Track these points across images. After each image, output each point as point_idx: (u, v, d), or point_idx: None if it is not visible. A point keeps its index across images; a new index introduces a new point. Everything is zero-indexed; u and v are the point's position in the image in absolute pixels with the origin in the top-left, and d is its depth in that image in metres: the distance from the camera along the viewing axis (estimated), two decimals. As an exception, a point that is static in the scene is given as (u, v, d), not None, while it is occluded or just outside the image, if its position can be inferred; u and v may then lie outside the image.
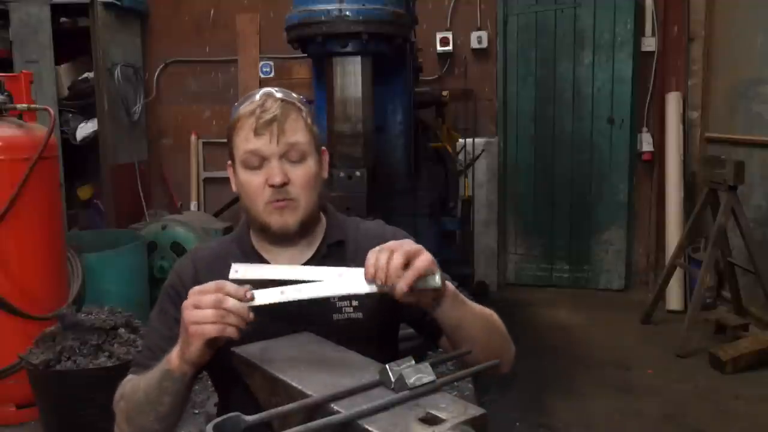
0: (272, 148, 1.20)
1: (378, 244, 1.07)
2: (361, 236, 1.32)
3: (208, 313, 1.00)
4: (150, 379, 1.14)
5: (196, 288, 1.03)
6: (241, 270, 1.07)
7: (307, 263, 1.28)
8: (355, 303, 1.26)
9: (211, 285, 1.02)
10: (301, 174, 1.22)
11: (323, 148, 1.30)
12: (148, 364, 1.19)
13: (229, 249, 1.33)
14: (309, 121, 1.25)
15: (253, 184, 1.22)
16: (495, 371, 1.06)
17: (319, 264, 1.25)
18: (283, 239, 1.27)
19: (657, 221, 4.95)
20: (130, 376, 1.24)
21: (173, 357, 1.09)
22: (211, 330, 1.00)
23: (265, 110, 1.20)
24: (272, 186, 1.20)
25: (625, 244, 5.01)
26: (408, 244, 1.02)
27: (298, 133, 1.22)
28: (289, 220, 1.22)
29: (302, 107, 1.25)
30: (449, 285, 1.12)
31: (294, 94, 1.28)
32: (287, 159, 1.21)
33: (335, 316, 1.25)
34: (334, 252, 1.30)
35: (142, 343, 1.34)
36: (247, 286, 1.03)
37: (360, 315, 1.26)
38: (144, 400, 1.14)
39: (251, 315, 1.01)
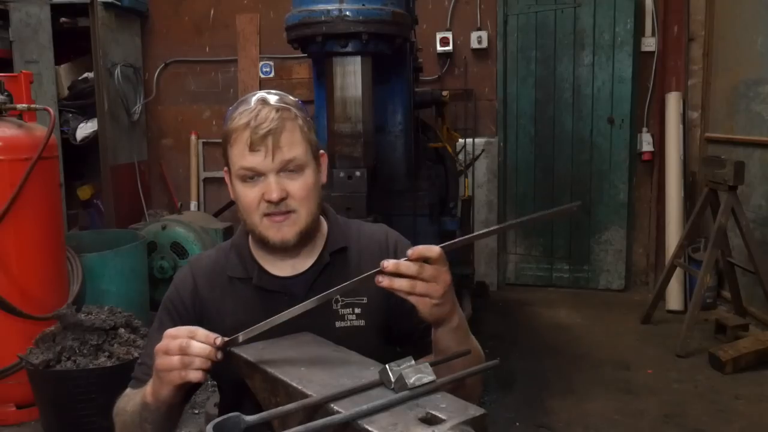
0: (268, 164, 1.15)
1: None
2: (364, 241, 1.29)
3: (174, 361, 1.01)
4: (134, 405, 1.17)
5: (170, 331, 1.04)
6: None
7: (308, 271, 1.26)
8: (357, 311, 1.24)
9: (182, 330, 1.03)
10: (299, 186, 1.18)
11: (321, 152, 1.26)
12: (144, 380, 1.20)
13: (227, 258, 1.30)
14: (306, 128, 1.20)
15: (249, 197, 1.18)
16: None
17: (322, 272, 1.25)
18: (283, 251, 1.24)
19: (657, 221, 4.95)
20: (128, 390, 1.26)
21: (148, 392, 1.11)
22: (175, 378, 1.02)
23: (259, 123, 1.14)
24: (269, 201, 1.16)
25: (625, 244, 5.01)
26: (445, 281, 1.01)
27: (294, 146, 1.17)
28: (288, 233, 1.19)
29: (298, 113, 1.19)
30: (459, 314, 1.09)
31: (291, 98, 1.22)
32: (285, 171, 1.17)
33: (338, 324, 1.23)
34: (337, 260, 1.27)
35: (141, 355, 1.35)
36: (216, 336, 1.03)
37: (362, 322, 1.24)
38: (130, 422, 1.18)
39: (219, 356, 1.02)
